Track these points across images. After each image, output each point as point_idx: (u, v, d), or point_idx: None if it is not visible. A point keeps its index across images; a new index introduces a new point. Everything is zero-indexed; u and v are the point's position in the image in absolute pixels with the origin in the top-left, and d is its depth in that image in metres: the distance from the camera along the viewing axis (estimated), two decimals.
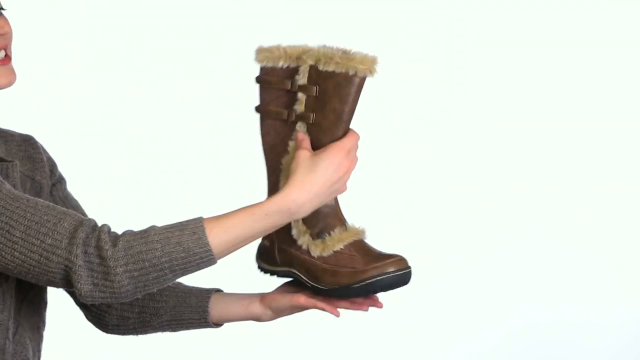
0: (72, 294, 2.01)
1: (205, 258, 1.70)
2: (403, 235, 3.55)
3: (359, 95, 1.78)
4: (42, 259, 1.68)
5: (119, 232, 1.72)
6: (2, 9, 1.84)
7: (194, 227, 1.70)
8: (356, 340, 3.87)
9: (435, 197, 4.00)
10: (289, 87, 1.82)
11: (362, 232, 1.84)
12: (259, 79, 1.85)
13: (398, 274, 1.78)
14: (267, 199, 1.75)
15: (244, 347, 3.79)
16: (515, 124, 4.04)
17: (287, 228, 1.83)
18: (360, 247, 1.82)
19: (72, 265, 1.67)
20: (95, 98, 3.83)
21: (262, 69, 1.84)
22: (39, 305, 1.91)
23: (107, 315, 1.99)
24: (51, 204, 1.72)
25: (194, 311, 1.95)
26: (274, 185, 1.85)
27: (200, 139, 3.87)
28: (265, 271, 1.90)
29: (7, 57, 1.83)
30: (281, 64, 1.82)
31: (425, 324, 3.93)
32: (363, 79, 1.77)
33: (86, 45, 3.82)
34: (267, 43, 1.84)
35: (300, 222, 1.83)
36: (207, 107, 3.89)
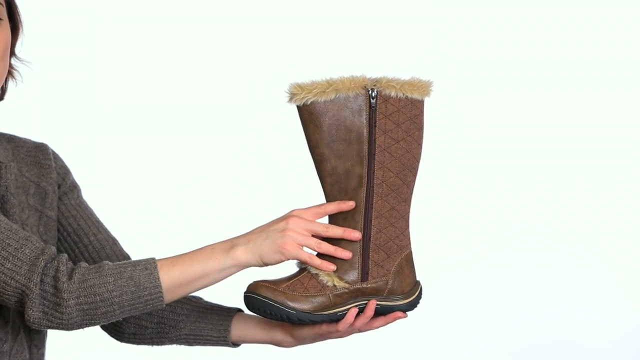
0: None
1: (154, 294, 1.73)
2: None
3: (313, 125, 1.81)
4: None
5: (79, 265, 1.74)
6: None
7: (147, 263, 1.74)
8: (355, 341, 3.87)
9: (434, 197, 3.99)
10: None
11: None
12: None
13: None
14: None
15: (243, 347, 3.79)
16: (515, 123, 4.04)
17: None
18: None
19: (29, 292, 1.70)
20: (98, 104, 3.84)
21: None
22: None
23: (125, 323, 2.00)
24: (14, 226, 1.75)
25: (215, 329, 1.96)
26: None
27: (207, 142, 3.87)
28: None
29: None
30: None
31: (424, 324, 3.93)
32: (298, 109, 1.80)
33: (90, 48, 3.83)
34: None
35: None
36: (212, 112, 3.89)
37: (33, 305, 1.70)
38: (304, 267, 1.84)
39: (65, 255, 1.74)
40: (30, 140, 2.01)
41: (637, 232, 4.03)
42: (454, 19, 4.01)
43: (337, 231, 1.80)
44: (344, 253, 1.80)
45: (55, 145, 2.05)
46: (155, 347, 2.02)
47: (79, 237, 1.99)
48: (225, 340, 1.95)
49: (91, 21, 3.82)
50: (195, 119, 3.87)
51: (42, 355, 1.93)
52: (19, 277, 1.70)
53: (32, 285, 1.70)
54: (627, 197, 4.05)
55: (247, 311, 1.92)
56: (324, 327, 1.86)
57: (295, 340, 1.93)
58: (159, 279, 1.73)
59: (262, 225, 1.79)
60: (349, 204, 1.80)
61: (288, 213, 1.79)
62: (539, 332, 4.00)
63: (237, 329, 1.96)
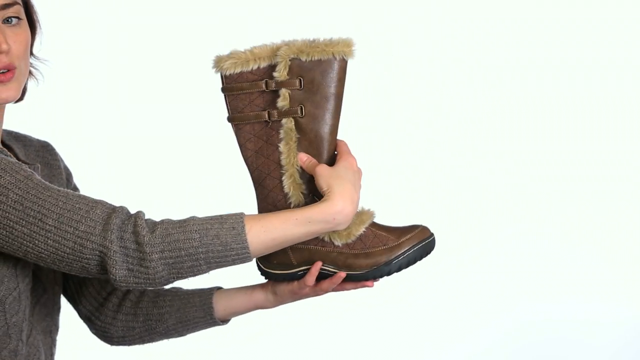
0: (76, 306, 2.03)
1: (242, 255, 1.70)
2: None
3: (345, 78, 1.82)
4: (76, 245, 1.67)
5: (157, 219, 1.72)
6: (11, 19, 1.84)
7: (234, 222, 1.70)
8: (355, 340, 3.88)
9: (434, 196, 4.00)
10: (263, 87, 1.82)
11: (373, 212, 1.86)
12: (226, 88, 1.83)
13: (428, 242, 1.85)
14: (312, 206, 1.74)
15: (243, 347, 3.80)
16: (515, 123, 4.04)
17: None
18: (379, 226, 1.85)
19: (106, 251, 1.66)
20: (98, 105, 3.85)
21: (226, 77, 1.83)
22: (52, 308, 1.92)
23: (112, 328, 2.00)
24: (82, 194, 1.72)
25: (199, 309, 1.95)
26: (270, 190, 1.84)
27: (210, 142, 3.87)
28: (283, 277, 1.87)
29: (8, 73, 1.82)
30: (251, 66, 1.81)
31: (424, 323, 3.93)
32: (346, 62, 1.81)
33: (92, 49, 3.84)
34: (220, 52, 1.83)
35: None
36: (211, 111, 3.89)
37: (115, 264, 1.67)
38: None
39: (143, 211, 1.71)
40: (34, 138, 2.01)
41: (637, 231, 4.03)
42: (455, 18, 4.02)
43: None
44: None
45: (55, 145, 2.06)
46: (161, 346, 2.04)
47: None
48: (211, 317, 1.95)
49: (95, 21, 3.82)
50: (200, 119, 3.88)
51: (52, 356, 1.94)
52: (94, 237, 1.67)
53: (108, 244, 1.66)
54: (626, 196, 4.05)
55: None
56: (294, 286, 1.88)
57: (277, 297, 1.92)
58: (246, 240, 1.69)
59: (350, 192, 1.76)
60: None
61: (349, 165, 1.80)
62: (539, 331, 4.00)
63: (220, 304, 1.95)
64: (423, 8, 3.99)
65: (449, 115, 4.02)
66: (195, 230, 1.68)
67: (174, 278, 1.70)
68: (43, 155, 1.99)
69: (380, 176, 3.84)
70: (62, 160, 2.02)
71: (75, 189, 2.03)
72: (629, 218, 4.04)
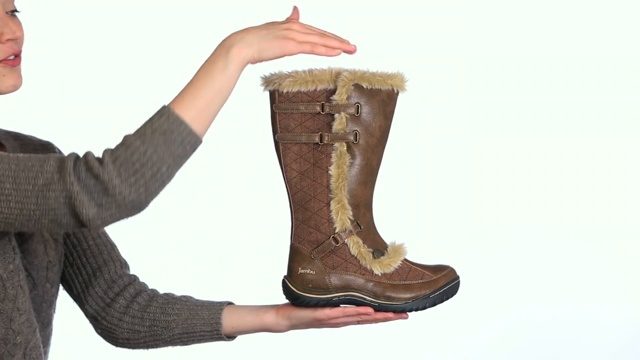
0: (82, 306, 2.03)
1: (184, 131, 1.69)
2: (402, 233, 3.54)
3: (394, 112, 1.86)
4: (39, 199, 1.67)
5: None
6: (16, 11, 1.85)
7: (160, 112, 1.70)
8: (355, 340, 3.88)
9: (435, 195, 4.00)
10: (319, 109, 1.83)
11: (405, 246, 1.90)
12: (280, 106, 1.84)
13: (455, 283, 1.93)
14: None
15: (244, 347, 3.79)
16: (516, 123, 4.04)
17: (342, 252, 1.85)
18: (410, 261, 1.89)
19: (70, 194, 1.66)
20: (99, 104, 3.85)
21: (280, 95, 1.84)
22: (39, 305, 1.92)
23: (118, 329, 2.00)
24: (31, 154, 1.73)
25: (206, 323, 1.94)
26: (314, 213, 1.85)
27: (210, 143, 3.86)
28: (316, 302, 1.86)
29: (17, 59, 1.84)
30: (309, 87, 1.83)
31: (423, 323, 3.93)
32: (398, 96, 1.85)
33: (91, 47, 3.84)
34: (264, 72, 1.84)
35: (361, 242, 1.85)
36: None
37: (83, 204, 1.66)
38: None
39: (90, 151, 1.71)
40: (35, 137, 2.02)
41: (637, 231, 4.03)
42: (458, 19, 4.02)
43: (334, 42, 1.76)
44: (349, 46, 1.78)
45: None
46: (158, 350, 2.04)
47: (77, 240, 2.00)
48: (218, 333, 1.95)
49: (90, 19, 3.82)
50: None
51: (46, 349, 1.94)
52: (54, 185, 1.66)
53: (69, 186, 1.65)
54: (626, 195, 4.05)
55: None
56: (326, 312, 1.87)
57: (290, 324, 1.92)
58: (178, 116, 1.69)
59: (260, 25, 1.76)
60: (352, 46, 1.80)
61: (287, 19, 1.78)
62: (539, 330, 4.00)
63: (228, 320, 1.95)
64: (405, 8, 4.00)
65: (443, 115, 4.02)
66: (135, 139, 1.68)
67: (143, 196, 1.68)
68: (41, 153, 1.97)
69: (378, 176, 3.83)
70: None
71: None
72: (628, 218, 4.04)
